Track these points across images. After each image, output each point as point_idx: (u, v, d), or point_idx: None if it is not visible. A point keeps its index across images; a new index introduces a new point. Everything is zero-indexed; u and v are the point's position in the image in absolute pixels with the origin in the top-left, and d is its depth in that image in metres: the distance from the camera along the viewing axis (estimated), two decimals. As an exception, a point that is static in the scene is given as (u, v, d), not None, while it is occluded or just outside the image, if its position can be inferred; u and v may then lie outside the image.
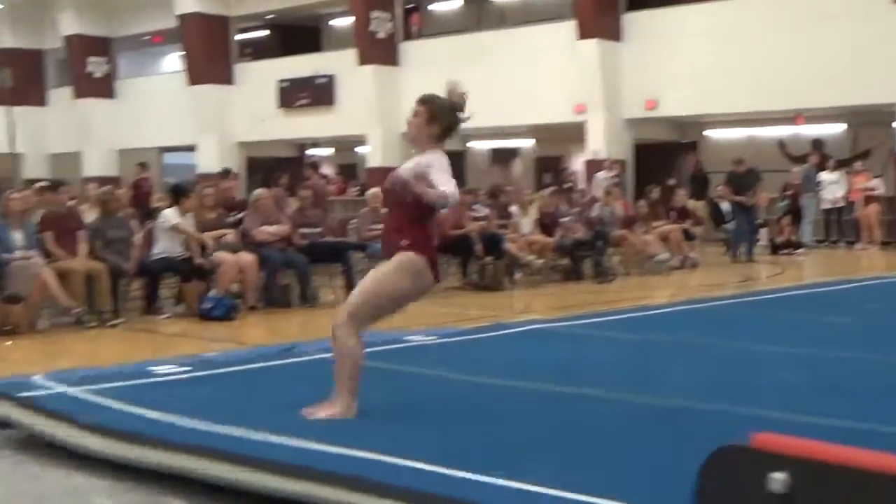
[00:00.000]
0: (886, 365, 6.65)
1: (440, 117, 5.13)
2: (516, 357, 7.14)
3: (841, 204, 20.24)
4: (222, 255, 10.59)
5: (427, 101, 5.19)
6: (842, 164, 21.16)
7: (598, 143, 23.55)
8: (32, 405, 5.25)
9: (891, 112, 20.25)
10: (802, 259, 17.66)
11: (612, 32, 23.48)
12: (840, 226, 20.47)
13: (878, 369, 6.52)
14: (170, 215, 10.76)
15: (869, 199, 19.84)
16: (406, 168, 5.12)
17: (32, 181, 17.06)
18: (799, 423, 4.77)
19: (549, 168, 26.23)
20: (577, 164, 24.95)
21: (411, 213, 5.04)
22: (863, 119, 22.58)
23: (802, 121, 22.81)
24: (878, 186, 20.11)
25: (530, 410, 5.31)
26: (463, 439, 4.64)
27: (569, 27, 23.80)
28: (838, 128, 23.48)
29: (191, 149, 30.31)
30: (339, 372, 5.01)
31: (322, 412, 4.97)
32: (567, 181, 20.98)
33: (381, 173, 25.44)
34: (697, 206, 17.87)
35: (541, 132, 26.96)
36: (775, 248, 18.40)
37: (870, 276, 13.84)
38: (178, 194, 11.05)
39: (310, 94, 28.15)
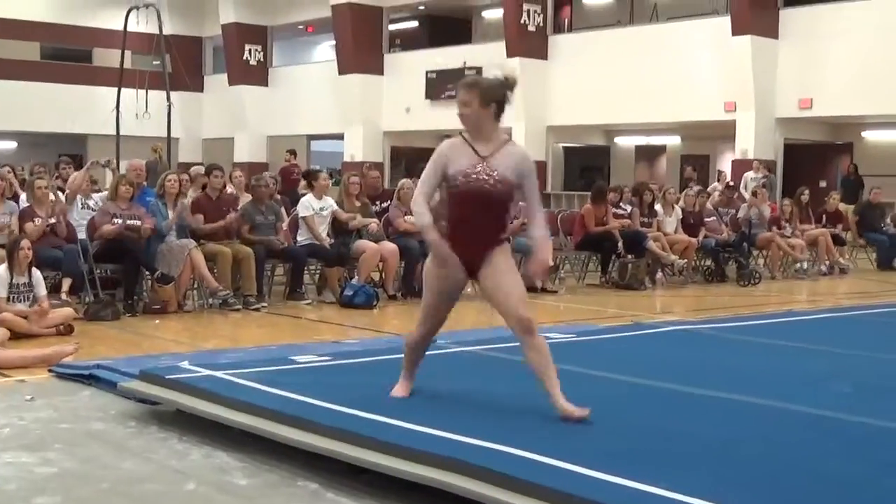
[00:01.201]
0: None
1: (493, 95, 4.97)
2: (653, 357, 7.05)
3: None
4: (365, 244, 10.77)
5: (474, 85, 5.00)
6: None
7: (747, 142, 23.03)
8: (180, 386, 5.47)
9: None
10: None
11: (767, 29, 22.90)
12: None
13: None
14: (307, 202, 11.00)
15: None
16: (507, 167, 4.99)
17: (188, 165, 17.64)
18: None
19: (695, 166, 25.73)
20: (725, 163, 24.47)
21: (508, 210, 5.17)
22: None
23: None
24: None
25: (674, 413, 5.24)
26: (617, 441, 4.61)
27: (723, 23, 23.32)
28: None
29: (339, 137, 30.87)
30: (549, 373, 4.96)
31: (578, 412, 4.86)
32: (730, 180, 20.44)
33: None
34: (849, 210, 17.28)
35: (688, 129, 26.53)
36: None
37: None
38: (309, 178, 11.29)
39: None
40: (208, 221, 10.40)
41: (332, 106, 30.33)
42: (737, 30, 22.76)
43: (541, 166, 26.82)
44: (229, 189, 11.74)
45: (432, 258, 5.09)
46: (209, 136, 35.35)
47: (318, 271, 11.23)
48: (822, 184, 22.89)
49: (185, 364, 6.10)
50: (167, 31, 34.44)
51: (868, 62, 21.43)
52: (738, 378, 6.29)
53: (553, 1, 27.61)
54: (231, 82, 33.49)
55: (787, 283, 13.76)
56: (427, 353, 5.40)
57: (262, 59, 33.47)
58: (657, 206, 13.77)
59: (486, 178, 4.96)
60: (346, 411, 4.89)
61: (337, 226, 11.03)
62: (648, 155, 29.06)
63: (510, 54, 26.53)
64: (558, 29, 28.03)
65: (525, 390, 5.17)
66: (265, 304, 10.12)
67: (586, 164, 29.49)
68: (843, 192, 19.84)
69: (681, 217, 13.83)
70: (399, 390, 5.31)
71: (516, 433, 4.55)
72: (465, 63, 27.98)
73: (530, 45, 26.58)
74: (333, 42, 31.09)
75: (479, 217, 5.01)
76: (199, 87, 35.33)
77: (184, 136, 33.58)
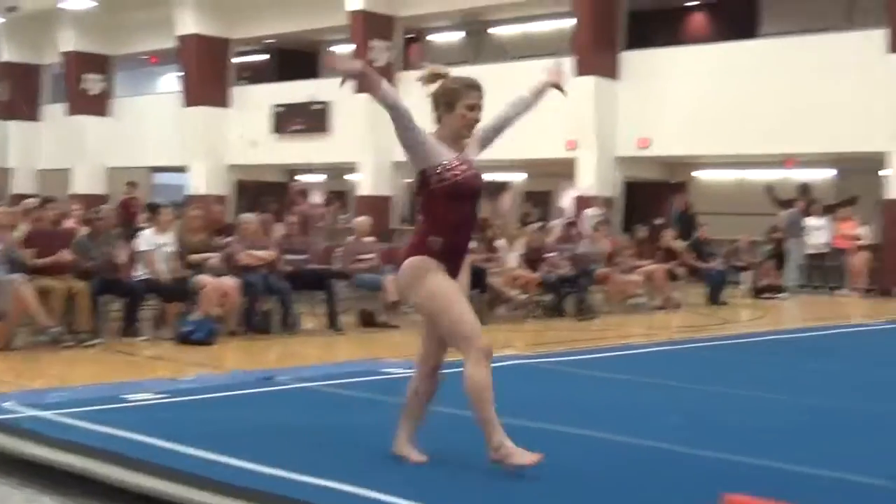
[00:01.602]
0: (865, 413, 6.69)
1: None
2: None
3: (825, 250, 20.33)
4: (205, 278, 10.60)
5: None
6: (828, 210, 21.27)
7: (587, 179, 23.65)
8: (0, 427, 5.27)
9: (879, 160, 20.39)
10: (784, 303, 17.70)
11: (608, 70, 23.63)
12: (823, 271, 20.54)
13: (854, 417, 6.55)
14: (146, 237, 10.80)
15: (860, 247, 19.93)
16: (474, 154, 5.01)
17: (21, 196, 17.06)
18: (777, 471, 4.81)
19: (539, 203, 26.26)
20: (567, 200, 25.04)
21: None
22: (851, 165, 22.72)
23: (792, 164, 22.96)
24: (865, 234, 20.21)
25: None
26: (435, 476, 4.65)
27: (567, 63, 23.94)
28: (827, 173, 23.65)
29: (182, 170, 30.34)
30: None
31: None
32: (568, 216, 20.94)
33: (370, 202, 25.61)
34: (683, 246, 17.91)
35: (532, 167, 27.07)
36: (758, 292, 18.45)
37: (852, 324, 13.90)
38: (152, 211, 11.11)
39: (304, 119, 28.25)
40: (42, 255, 10.06)
41: (177, 138, 29.80)
42: (580, 70, 23.39)
43: (386, 202, 26.97)
44: (68, 222, 11.41)
45: (417, 271, 4.68)
46: (46, 167, 34.22)
47: (157, 306, 10.98)
48: (659, 221, 23.63)
49: (9, 404, 5.88)
50: (3, 58, 33.40)
51: (701, 105, 22.36)
52: (574, 411, 6.44)
53: (402, 38, 27.88)
54: (70, 112, 32.56)
55: (624, 317, 14.14)
56: (267, 388, 5.36)
57: (103, 89, 32.65)
58: (500, 242, 13.99)
59: (470, 170, 4.86)
60: (177, 449, 4.79)
61: (178, 260, 10.83)
62: (492, 192, 29.49)
63: (359, 90, 26.59)
64: (407, 66, 28.29)
65: (361, 424, 5.18)
66: (100, 341, 9.82)
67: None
68: (677, 228, 20.53)
69: (523, 252, 14.07)
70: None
71: (348, 469, 4.55)
72: (312, 97, 27.97)
73: (378, 81, 26.74)
74: (178, 73, 30.62)
75: (470, 217, 4.88)
76: (35, 116, 34.25)
77: (19, 166, 32.45)
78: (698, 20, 27.09)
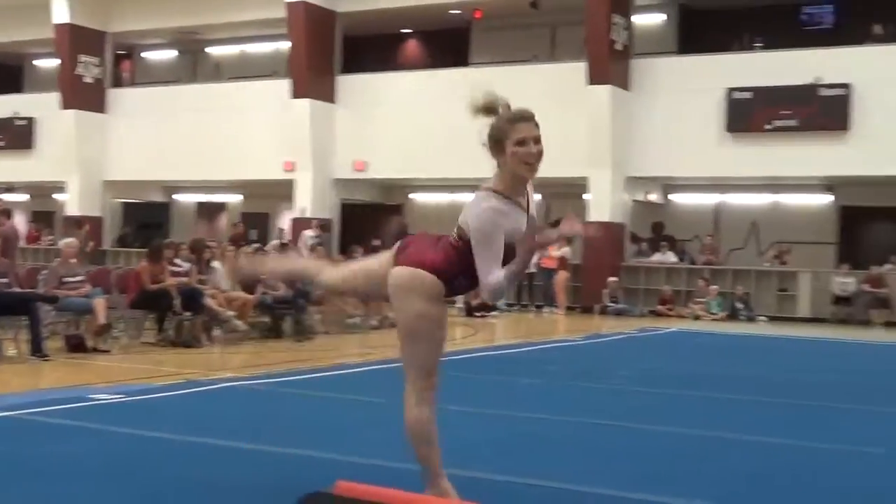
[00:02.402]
0: (562, 424, 7.06)
1: None
2: (205, 415, 7.05)
3: (533, 270, 21.29)
4: None
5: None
6: (535, 232, 22.27)
7: (305, 201, 23.74)
8: None
9: (582, 185, 21.62)
10: (495, 321, 18.40)
11: (325, 93, 23.85)
12: (531, 290, 21.52)
13: (555, 428, 6.90)
14: None
15: (561, 267, 21.01)
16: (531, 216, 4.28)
17: None
18: (483, 482, 4.99)
19: (256, 224, 26.14)
20: (285, 221, 25.02)
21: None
22: (555, 190, 23.95)
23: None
24: (568, 255, 21.33)
25: (210, 468, 5.26)
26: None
27: (283, 85, 23.96)
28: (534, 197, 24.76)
29: None
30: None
31: None
32: (281, 238, 20.90)
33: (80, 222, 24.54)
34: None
35: (249, 188, 26.86)
36: (470, 311, 19.07)
37: (553, 340, 14.64)
38: None
39: (7, 135, 26.80)
40: None
41: None
42: (297, 93, 23.48)
43: (98, 222, 25.96)
44: None
45: (425, 289, 4.20)
46: None
47: None
48: (376, 242, 24.00)
49: None
50: None
51: (416, 129, 22.98)
52: (283, 431, 6.44)
53: (112, 54, 27.00)
54: None
55: (341, 337, 14.27)
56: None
57: None
58: (215, 263, 13.79)
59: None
60: None
61: None
62: (210, 212, 29.03)
63: (65, 106, 25.58)
64: (118, 83, 27.42)
65: (63, 453, 4.97)
66: None
67: (146, 220, 28.89)
68: (394, 250, 20.92)
69: (239, 274, 13.92)
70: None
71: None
72: (16, 113, 26.61)
73: (87, 97, 25.80)
74: None
75: None
76: None
77: None
78: (412, 47, 27.82)
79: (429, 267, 4.21)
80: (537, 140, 4.12)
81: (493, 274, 4.03)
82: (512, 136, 4.11)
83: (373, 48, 26.91)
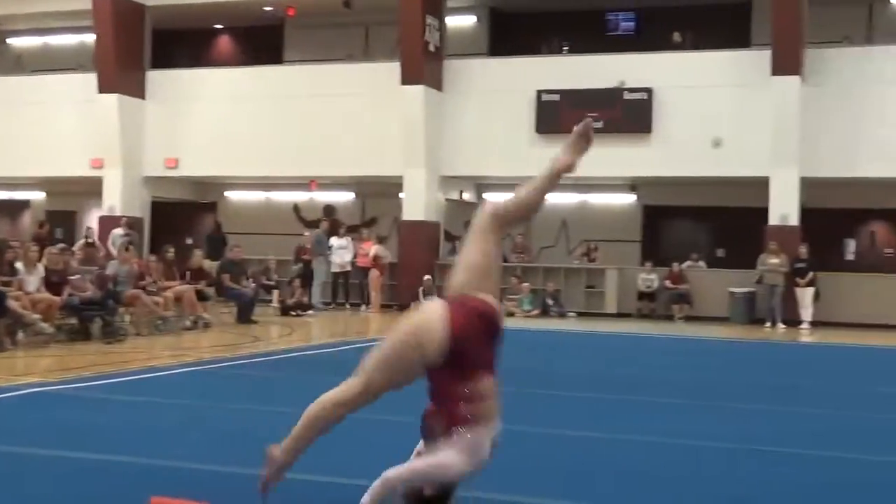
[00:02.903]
0: (375, 423, 7.14)
1: None
2: (8, 422, 6.82)
3: (348, 268, 21.36)
4: None
5: None
6: (351, 231, 22.41)
7: (114, 199, 23.10)
8: None
9: (397, 184, 21.81)
10: (312, 320, 18.38)
11: (134, 89, 23.25)
12: (347, 289, 21.58)
13: (366, 427, 6.98)
14: None
15: (374, 265, 21.14)
16: None
17: None
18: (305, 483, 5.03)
19: (63, 223, 25.28)
20: (93, 219, 24.27)
21: None
22: (371, 189, 24.09)
23: (316, 186, 23.89)
24: (383, 253, 21.48)
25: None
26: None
27: (89, 79, 23.22)
28: (349, 195, 24.87)
29: None
30: None
31: None
32: (88, 237, 20.22)
33: None
34: (213, 266, 18.04)
35: (53, 185, 25.92)
36: (286, 310, 18.99)
37: (369, 339, 14.74)
38: None
39: None
40: None
41: None
42: (103, 87, 22.81)
43: None
44: None
45: (426, 319, 4.18)
46: None
47: None
48: (189, 241, 23.61)
49: None
50: None
51: (230, 126, 22.69)
52: (92, 437, 6.31)
53: None
54: None
55: (153, 338, 13.98)
56: None
57: None
58: (18, 265, 13.27)
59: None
60: None
61: None
62: (11, 210, 27.85)
63: None
64: None
65: None
66: None
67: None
68: (207, 248, 20.62)
69: (43, 275, 13.45)
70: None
71: None
72: None
73: None
74: None
75: None
76: None
77: None
78: (225, 43, 27.44)
79: (448, 309, 4.18)
80: None
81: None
82: None
83: (184, 43, 26.40)
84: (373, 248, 21.31)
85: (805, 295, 19.39)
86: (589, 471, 5.76)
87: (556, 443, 6.55)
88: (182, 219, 25.17)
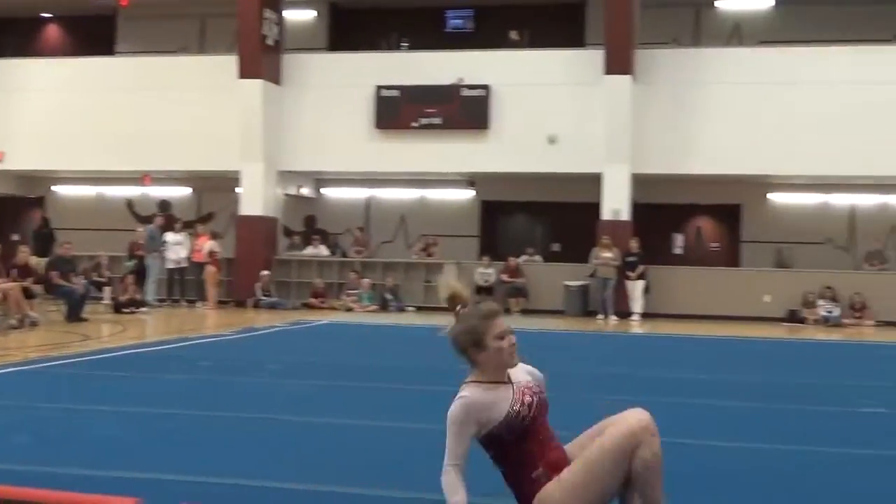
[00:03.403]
0: (213, 419, 7.06)
1: None
2: None
3: (184, 264, 20.97)
4: None
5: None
6: (187, 226, 22.00)
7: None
8: None
9: (234, 179, 21.52)
10: (146, 318, 17.96)
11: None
12: (183, 285, 21.18)
13: (205, 424, 6.88)
14: None
15: (210, 261, 20.81)
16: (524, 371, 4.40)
17: None
18: (117, 479, 4.92)
19: None
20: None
21: None
22: (207, 184, 23.70)
23: (149, 181, 23.35)
24: (219, 249, 21.15)
25: None
26: None
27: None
28: (184, 191, 24.39)
29: None
30: None
31: None
32: None
33: None
34: (41, 263, 17.42)
35: None
36: (119, 307, 18.51)
37: (206, 335, 14.51)
38: None
39: None
40: None
41: None
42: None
43: None
44: None
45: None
46: None
47: None
48: (15, 237, 22.75)
49: None
50: None
51: (58, 118, 21.98)
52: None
53: None
54: None
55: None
56: None
57: None
58: None
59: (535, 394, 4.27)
60: None
61: None
62: None
63: None
64: None
65: None
66: None
67: None
68: (34, 245, 19.91)
69: None
70: None
71: None
72: None
73: None
74: None
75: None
76: None
77: None
78: (54, 32, 26.53)
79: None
80: (511, 331, 4.21)
81: (444, 466, 4.09)
82: (490, 331, 4.17)
83: (10, 32, 25.41)
84: (208, 244, 20.98)
85: (635, 288, 20.03)
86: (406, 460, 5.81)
87: (403, 435, 6.59)
88: (7, 214, 24.23)
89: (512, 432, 4.13)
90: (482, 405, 4.11)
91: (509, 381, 4.21)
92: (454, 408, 4.11)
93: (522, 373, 4.31)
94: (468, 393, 4.13)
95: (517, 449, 4.16)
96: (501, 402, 4.14)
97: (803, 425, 7.37)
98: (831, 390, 9.57)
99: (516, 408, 4.13)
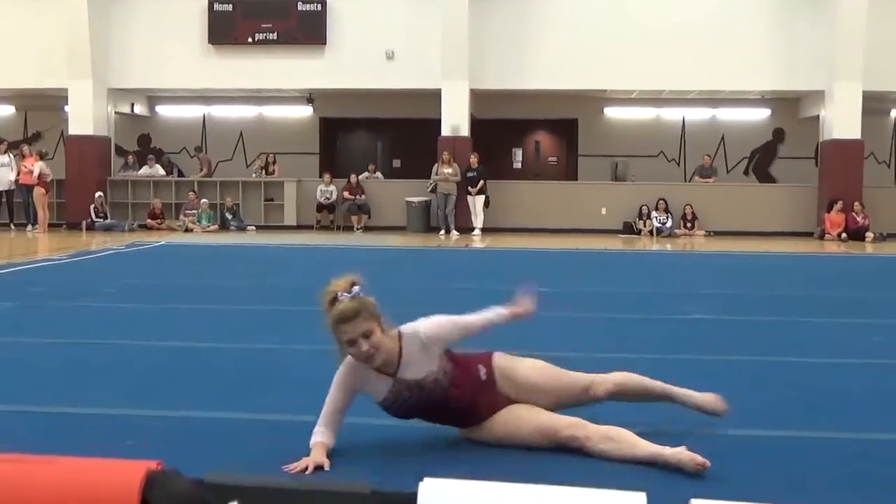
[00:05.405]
0: (43, 347, 6.84)
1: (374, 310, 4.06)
2: None
3: (12, 187, 20.15)
4: None
5: (363, 308, 3.99)
6: (12, 147, 21.08)
7: None
8: None
9: (62, 97, 20.66)
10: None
11: None
12: (11, 208, 20.37)
13: (33, 352, 6.66)
14: None
15: (39, 183, 20.03)
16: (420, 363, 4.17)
17: None
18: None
19: None
20: None
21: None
22: (33, 102, 22.71)
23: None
24: (46, 170, 20.35)
25: None
26: None
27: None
28: (8, 109, 23.35)
29: None
30: None
31: None
32: None
33: None
34: None
35: None
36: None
37: (37, 259, 14.00)
38: None
39: None
40: None
41: None
42: None
43: None
44: None
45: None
46: None
47: None
48: None
49: None
50: None
51: None
52: None
53: None
54: None
55: None
56: None
57: None
58: None
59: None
60: None
61: None
62: None
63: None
64: None
65: None
66: None
67: None
68: None
69: None
70: None
71: None
72: None
73: None
74: None
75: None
76: None
77: None
78: None
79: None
80: (367, 334, 3.99)
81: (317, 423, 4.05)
82: (341, 338, 4.03)
83: None
84: (36, 165, 20.15)
85: (476, 203, 20.23)
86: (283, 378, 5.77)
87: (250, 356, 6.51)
88: None
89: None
90: (361, 375, 4.12)
91: (392, 375, 4.14)
92: (338, 373, 4.14)
93: (422, 364, 4.15)
94: (352, 359, 4.10)
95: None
96: (380, 386, 4.15)
97: (640, 332, 7.62)
98: (664, 298, 9.91)
99: (389, 402, 4.17)
